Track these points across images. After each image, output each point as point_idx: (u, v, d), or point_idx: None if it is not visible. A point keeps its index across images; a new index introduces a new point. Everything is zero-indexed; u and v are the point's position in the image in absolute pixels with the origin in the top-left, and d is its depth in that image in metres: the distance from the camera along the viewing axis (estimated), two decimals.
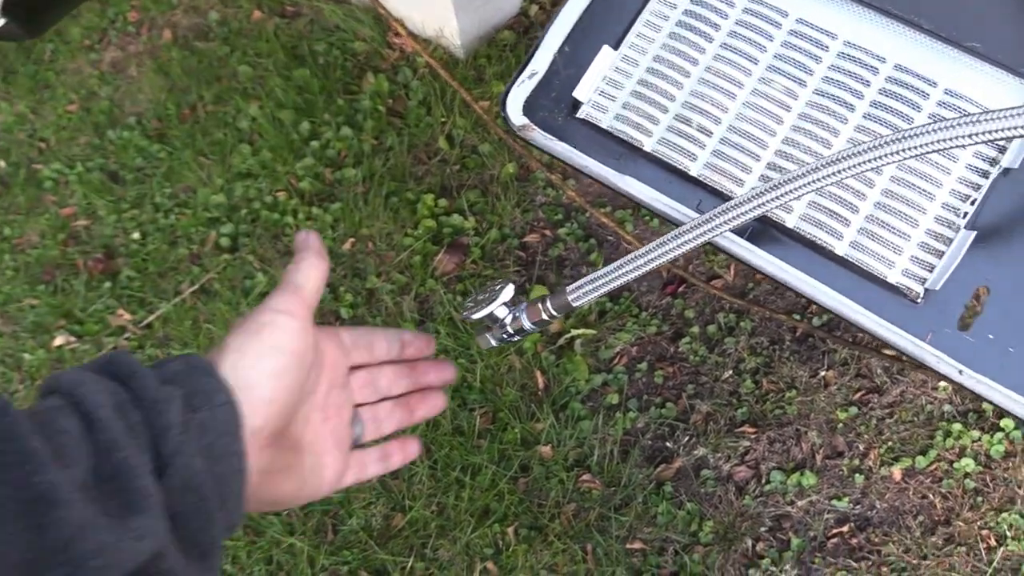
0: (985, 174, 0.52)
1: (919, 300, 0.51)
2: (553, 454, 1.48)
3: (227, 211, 1.76)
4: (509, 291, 0.56)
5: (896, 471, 1.46)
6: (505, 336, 0.58)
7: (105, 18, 2.06)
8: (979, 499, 1.43)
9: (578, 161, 0.57)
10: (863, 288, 0.52)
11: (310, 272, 0.46)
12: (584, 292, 0.54)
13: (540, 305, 0.56)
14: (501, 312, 0.56)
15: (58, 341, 1.71)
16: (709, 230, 0.49)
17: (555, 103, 0.59)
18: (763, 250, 0.53)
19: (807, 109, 0.55)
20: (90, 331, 1.70)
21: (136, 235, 1.78)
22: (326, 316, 1.63)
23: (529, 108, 0.59)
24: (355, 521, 1.49)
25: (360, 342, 0.52)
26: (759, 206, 0.48)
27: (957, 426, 1.46)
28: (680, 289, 1.59)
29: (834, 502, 1.45)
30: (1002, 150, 0.52)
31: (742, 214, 0.49)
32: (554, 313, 0.56)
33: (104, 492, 0.35)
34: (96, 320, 1.71)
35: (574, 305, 0.55)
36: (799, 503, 1.46)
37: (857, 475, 1.46)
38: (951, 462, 1.44)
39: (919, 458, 1.44)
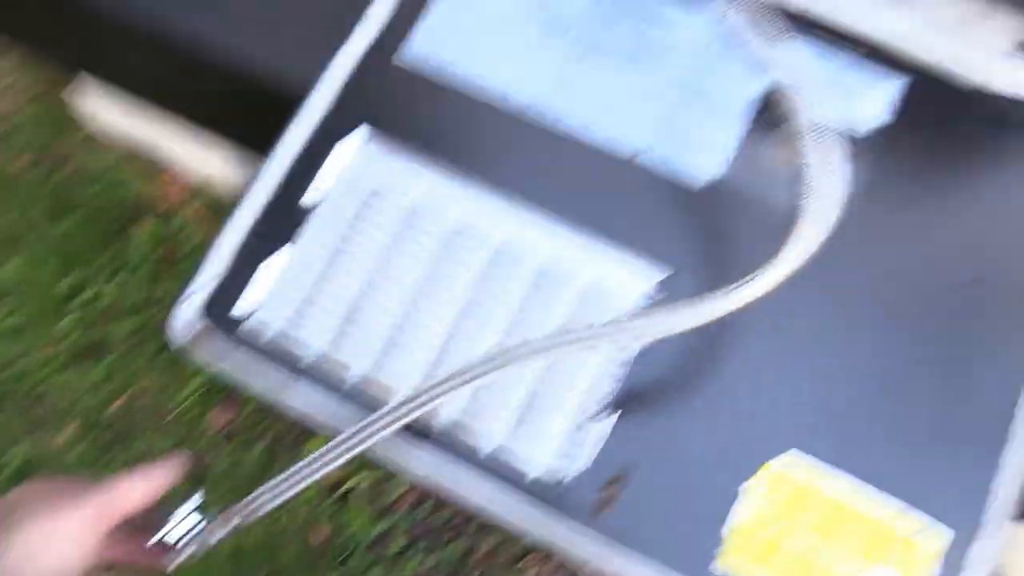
0: (621, 363, 0.57)
1: (562, 490, 0.55)
2: None
3: None
4: (195, 500, 0.56)
5: None
6: (199, 548, 0.57)
7: None
8: None
9: (242, 379, 0.58)
10: (506, 489, 0.55)
11: (143, 490, 0.51)
12: (249, 512, 0.54)
13: (224, 517, 0.56)
14: (176, 535, 0.55)
15: None
16: (347, 448, 0.51)
17: (218, 322, 0.60)
18: (411, 458, 0.56)
19: (462, 314, 0.59)
20: None
21: None
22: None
23: (190, 328, 0.60)
24: None
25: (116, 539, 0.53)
26: (386, 424, 0.51)
27: None
28: None
29: None
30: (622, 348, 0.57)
31: (385, 425, 0.51)
32: (224, 533, 0.56)
33: None
34: None
35: (252, 517, 0.55)
36: None
37: None
38: None
39: None
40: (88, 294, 1.69)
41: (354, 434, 0.52)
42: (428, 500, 1.54)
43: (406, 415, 0.52)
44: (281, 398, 0.58)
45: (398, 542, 1.49)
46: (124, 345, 1.64)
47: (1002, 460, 0.53)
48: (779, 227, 0.55)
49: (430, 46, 0.65)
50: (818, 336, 0.57)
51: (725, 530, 0.54)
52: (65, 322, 1.66)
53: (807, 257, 0.52)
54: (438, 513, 1.52)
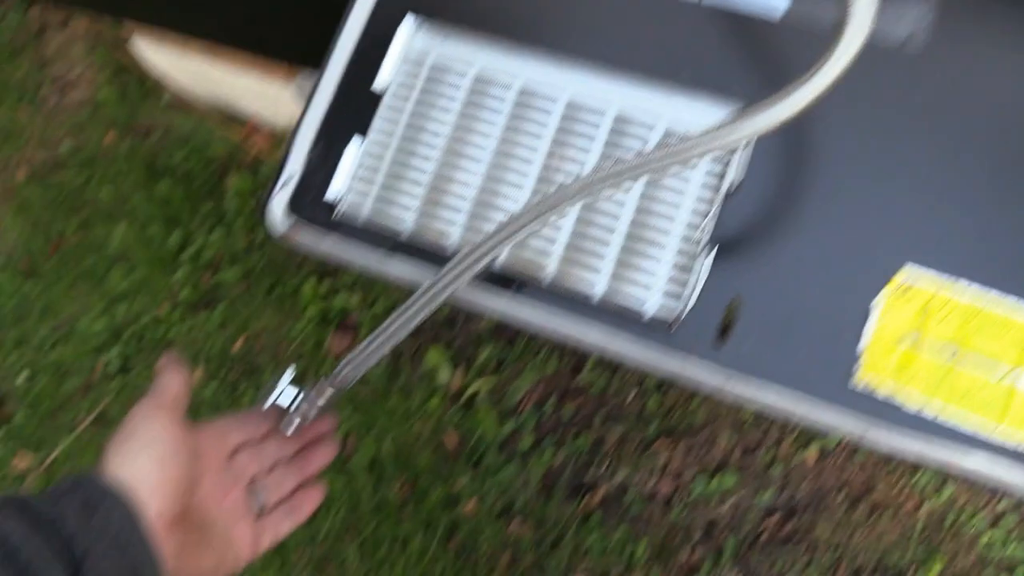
0: (715, 192, 0.54)
1: (676, 325, 0.53)
2: (478, 508, 1.48)
3: (111, 335, 1.73)
4: (289, 375, 0.60)
5: (811, 454, 1.49)
6: (302, 420, 0.59)
7: None
8: (893, 464, 1.47)
9: (344, 259, 0.58)
10: (622, 327, 0.53)
11: (169, 380, 0.52)
12: (352, 370, 0.55)
13: (320, 386, 0.57)
14: (290, 395, 0.58)
15: None
16: (445, 285, 0.50)
17: (313, 206, 0.60)
18: (526, 308, 0.55)
19: (544, 171, 0.57)
20: None
21: (23, 377, 1.74)
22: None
23: (290, 215, 0.60)
24: None
25: (230, 425, 0.57)
26: (484, 255, 0.50)
27: None
28: None
29: (758, 497, 1.47)
30: (726, 166, 0.54)
31: (474, 262, 0.50)
32: (335, 392, 0.57)
33: None
34: None
35: (348, 382, 0.56)
36: (725, 505, 1.47)
37: (775, 466, 1.48)
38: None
39: (828, 437, 1.47)
40: (193, 249, 1.75)
41: (438, 279, 0.51)
42: (551, 398, 1.55)
43: (493, 248, 0.50)
44: (383, 271, 0.57)
45: (526, 440, 1.52)
46: (235, 291, 1.69)
47: None
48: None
49: None
50: (924, 144, 0.52)
51: (860, 347, 0.51)
52: (177, 276, 1.72)
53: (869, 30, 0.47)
54: (563, 409, 1.53)
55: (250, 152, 1.82)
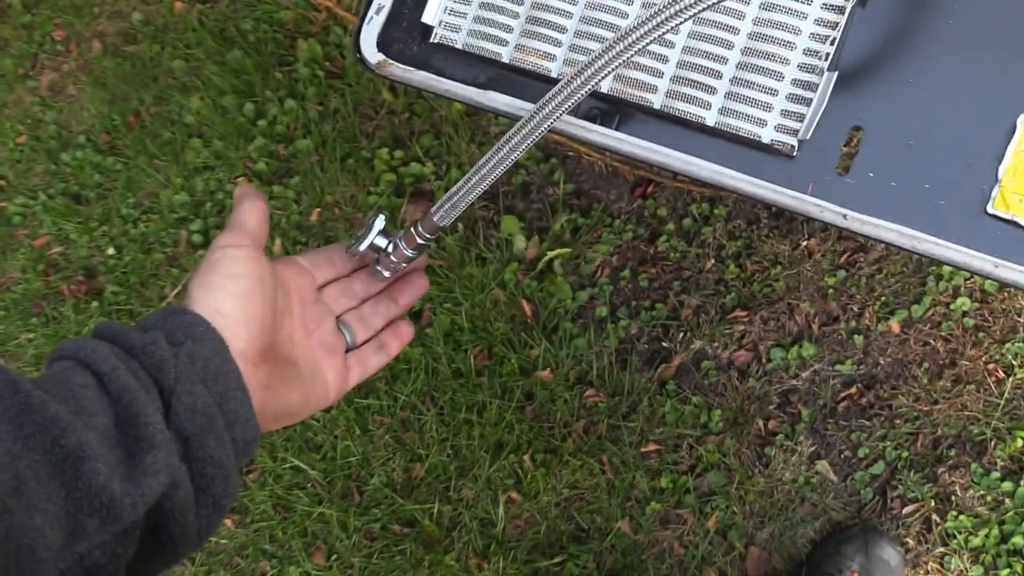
0: (841, 10, 0.50)
1: (795, 153, 0.50)
2: (553, 377, 1.49)
3: (192, 208, 1.76)
4: (380, 222, 0.58)
5: (894, 324, 1.45)
6: (394, 266, 0.58)
7: (33, 43, 2.04)
8: (980, 335, 1.43)
9: (440, 87, 0.56)
10: (738, 154, 0.51)
11: (248, 211, 0.50)
12: (447, 210, 0.54)
13: (413, 231, 0.56)
14: (381, 242, 0.57)
15: None
16: (550, 112, 0.48)
17: (407, 33, 0.58)
18: (633, 136, 0.52)
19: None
20: None
21: (111, 251, 1.79)
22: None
23: (383, 44, 0.58)
24: (377, 479, 1.52)
25: (319, 260, 0.56)
26: (594, 74, 0.47)
27: (947, 268, 1.44)
28: (649, 190, 1.57)
29: (837, 367, 1.45)
30: None
31: (582, 84, 0.47)
32: (428, 236, 0.56)
33: (124, 436, 0.39)
34: None
35: (441, 224, 0.55)
36: (803, 375, 1.46)
37: (856, 336, 1.46)
38: (947, 304, 1.43)
39: (914, 307, 1.43)
40: (267, 119, 1.74)
41: (541, 106, 0.49)
42: (627, 267, 1.53)
43: (595, 76, 0.47)
44: (483, 102, 0.56)
45: (601, 310, 1.51)
46: (309, 161, 1.69)
47: None
48: None
49: None
50: None
51: (1002, 168, 0.47)
52: (253, 148, 1.73)
53: None
54: (638, 279, 1.52)
55: (319, 16, 1.79)
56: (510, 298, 1.53)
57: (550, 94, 0.49)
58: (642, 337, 1.51)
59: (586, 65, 0.47)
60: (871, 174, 0.49)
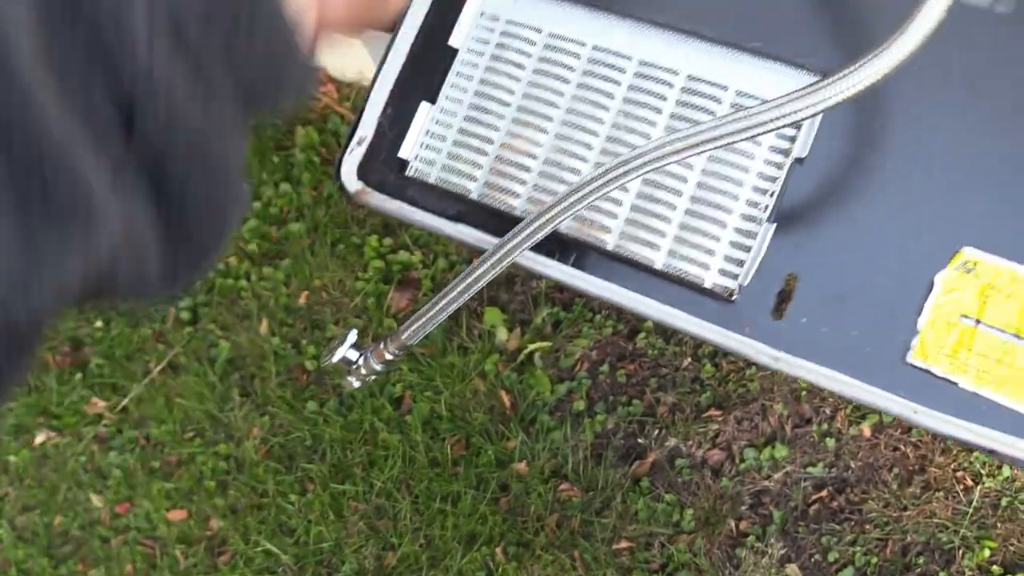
0: (780, 166, 0.55)
1: (734, 297, 0.54)
2: (528, 469, 1.51)
3: None
4: (352, 336, 0.61)
5: (865, 428, 1.48)
6: (364, 377, 0.62)
7: None
8: (949, 442, 1.45)
9: (412, 218, 0.60)
10: (683, 296, 0.55)
11: None
12: (415, 330, 0.57)
13: (382, 346, 0.60)
14: (352, 355, 0.60)
15: (39, 439, 1.74)
16: (511, 249, 0.52)
17: (385, 164, 0.62)
18: (587, 274, 0.56)
19: (613, 131, 0.58)
20: (68, 424, 1.73)
21: (99, 323, 1.82)
22: (292, 371, 1.67)
23: (362, 173, 0.62)
24: (349, 567, 1.52)
25: None
26: (555, 216, 0.51)
27: None
28: None
29: (809, 469, 1.47)
30: (792, 140, 0.55)
31: (543, 225, 0.51)
32: (396, 352, 0.59)
33: None
34: (72, 412, 1.74)
35: (410, 343, 0.58)
36: (775, 476, 1.48)
37: (828, 439, 1.48)
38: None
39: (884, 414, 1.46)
40: (262, 201, 1.79)
41: (501, 245, 0.53)
42: (606, 362, 1.57)
43: (555, 217, 0.51)
44: (451, 234, 0.59)
45: (579, 403, 1.54)
46: (300, 245, 1.74)
47: None
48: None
49: None
50: (1003, 119, 0.52)
51: (919, 323, 0.51)
52: (246, 229, 1.77)
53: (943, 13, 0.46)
54: (617, 374, 1.55)
55: (318, 104, 1.86)
56: (490, 389, 1.56)
57: (511, 233, 0.53)
58: (618, 432, 1.53)
59: (545, 210, 0.51)
60: (804, 319, 0.52)
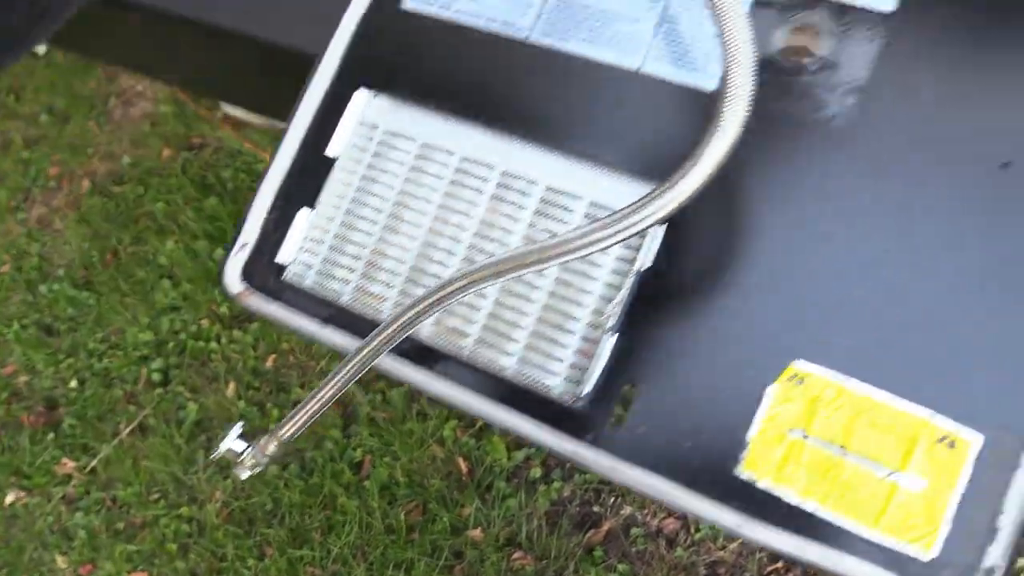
0: (625, 275, 0.57)
1: (578, 405, 0.56)
2: (483, 536, 1.51)
3: (155, 347, 1.82)
4: (237, 429, 0.64)
5: None
6: (252, 468, 0.64)
7: (28, 177, 2.17)
8: None
9: (285, 320, 0.63)
10: (531, 403, 0.56)
11: None
12: (289, 428, 0.59)
13: (264, 443, 0.62)
14: (239, 447, 0.62)
15: (9, 498, 1.76)
16: (368, 354, 0.54)
17: (267, 269, 0.65)
18: (443, 379, 0.58)
19: (475, 239, 0.60)
20: (38, 484, 1.76)
21: (73, 383, 1.85)
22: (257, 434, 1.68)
23: (245, 276, 0.65)
24: None
25: None
26: (405, 324, 0.53)
27: None
28: None
29: None
30: (638, 250, 0.57)
31: (393, 333, 0.54)
32: (274, 449, 0.61)
33: None
34: (43, 472, 1.77)
35: (285, 440, 0.60)
36: (730, 547, 1.47)
37: None
38: None
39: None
40: None
41: (360, 350, 0.55)
42: None
43: (407, 325, 0.54)
44: (320, 338, 0.62)
45: (535, 471, 1.54)
46: None
47: None
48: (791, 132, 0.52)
49: None
50: (831, 237, 0.54)
51: (748, 436, 0.53)
52: (219, 292, 1.81)
53: (742, 122, 0.48)
54: None
55: None
56: (448, 455, 1.57)
57: (367, 339, 0.56)
58: (574, 500, 1.53)
59: (391, 319, 0.54)
60: (641, 429, 0.54)
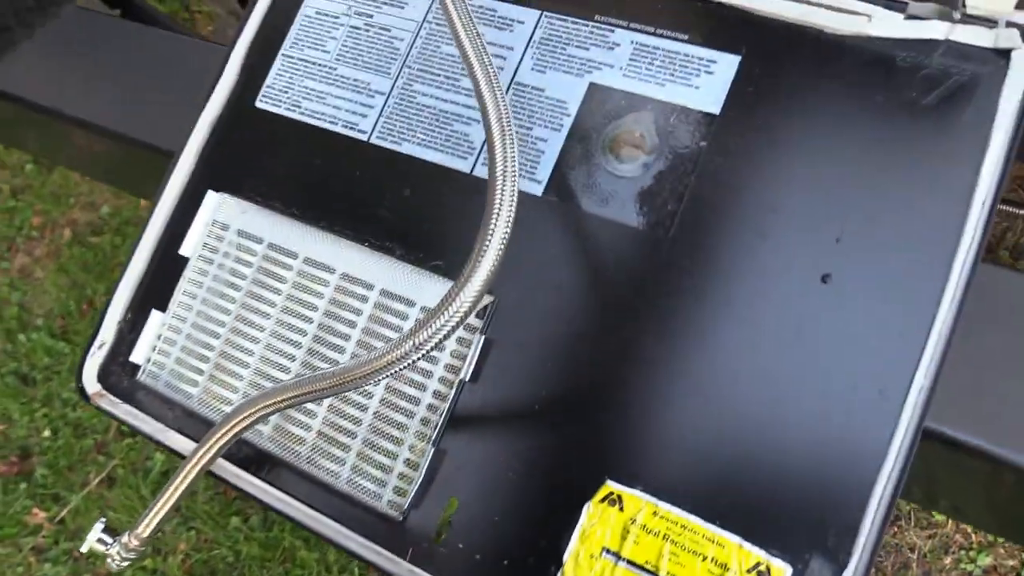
0: (451, 385, 0.56)
1: (403, 519, 0.55)
2: None
3: None
4: (100, 525, 0.62)
5: None
6: (120, 563, 0.63)
7: (12, 227, 2.20)
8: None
9: (134, 423, 0.63)
10: (359, 516, 0.56)
11: None
12: (146, 528, 0.58)
13: (126, 539, 0.61)
14: (107, 540, 0.61)
15: None
16: (200, 459, 0.54)
17: (122, 367, 0.65)
18: (275, 488, 0.58)
19: (313, 343, 0.60)
20: (8, 534, 1.77)
21: (47, 432, 1.87)
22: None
23: (102, 376, 0.65)
24: None
25: None
26: (235, 426, 0.53)
27: None
28: None
29: None
30: (464, 360, 0.56)
31: (226, 434, 0.54)
32: (137, 544, 0.61)
33: None
34: (13, 523, 1.78)
35: (145, 536, 0.60)
36: None
37: None
38: None
39: None
40: None
41: (193, 456, 0.55)
42: None
43: (225, 437, 0.54)
44: (165, 443, 0.62)
45: None
46: None
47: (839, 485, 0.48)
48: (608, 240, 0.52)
49: (279, 93, 0.66)
50: (651, 360, 0.53)
51: (566, 554, 0.52)
52: None
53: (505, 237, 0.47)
54: None
55: None
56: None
57: (199, 444, 0.56)
58: None
59: (217, 427, 0.54)
60: (460, 545, 0.53)
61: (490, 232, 0.46)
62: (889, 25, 0.53)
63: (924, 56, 0.52)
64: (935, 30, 0.53)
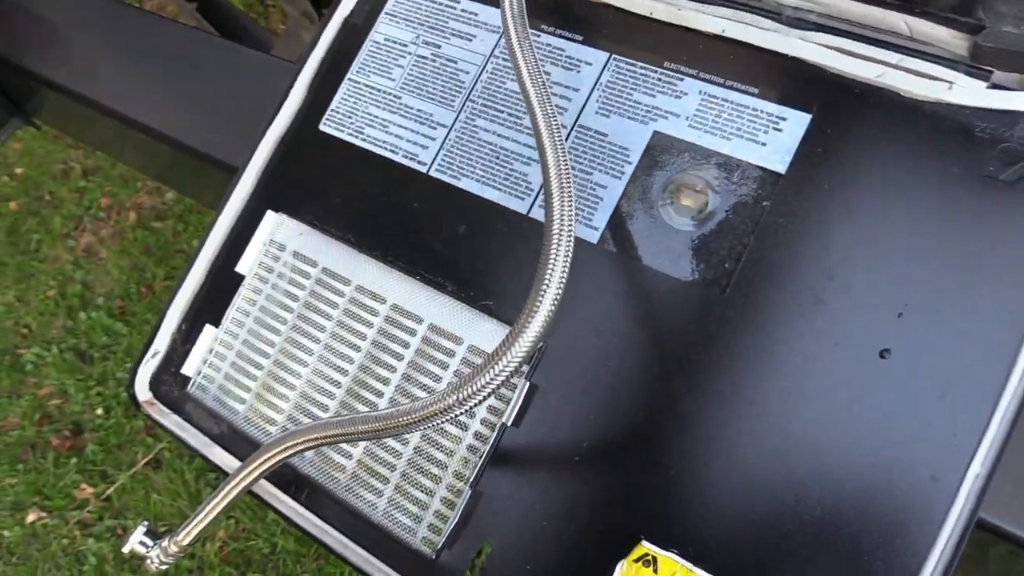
0: (493, 428, 0.56)
1: (436, 558, 0.55)
2: None
3: None
4: (143, 527, 0.63)
5: None
6: (158, 566, 0.65)
7: (81, 206, 2.27)
8: None
9: (180, 434, 0.64)
10: (393, 551, 0.56)
11: None
12: (189, 535, 0.59)
13: (166, 544, 0.62)
14: (148, 542, 0.63)
15: (31, 517, 1.84)
16: (247, 477, 0.55)
17: (174, 378, 0.66)
18: (312, 513, 0.59)
19: (359, 373, 0.61)
20: (58, 507, 1.83)
21: (100, 411, 1.92)
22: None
23: (154, 384, 0.66)
24: None
25: None
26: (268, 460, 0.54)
27: None
28: None
29: None
30: (507, 403, 0.56)
31: (265, 461, 0.55)
32: (176, 550, 0.62)
33: None
34: (63, 496, 1.84)
35: (186, 544, 0.61)
36: None
37: None
38: None
39: None
40: None
41: (237, 475, 0.56)
42: None
43: (273, 459, 0.54)
44: (208, 457, 0.63)
45: None
46: None
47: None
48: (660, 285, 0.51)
49: (343, 118, 0.67)
50: (694, 417, 0.52)
51: None
52: None
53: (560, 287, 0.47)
54: None
55: None
56: None
57: (246, 462, 0.56)
58: None
59: (267, 447, 0.55)
60: None
61: (543, 288, 0.46)
62: (971, 93, 0.51)
63: (1005, 128, 0.50)
64: (1019, 101, 0.51)
